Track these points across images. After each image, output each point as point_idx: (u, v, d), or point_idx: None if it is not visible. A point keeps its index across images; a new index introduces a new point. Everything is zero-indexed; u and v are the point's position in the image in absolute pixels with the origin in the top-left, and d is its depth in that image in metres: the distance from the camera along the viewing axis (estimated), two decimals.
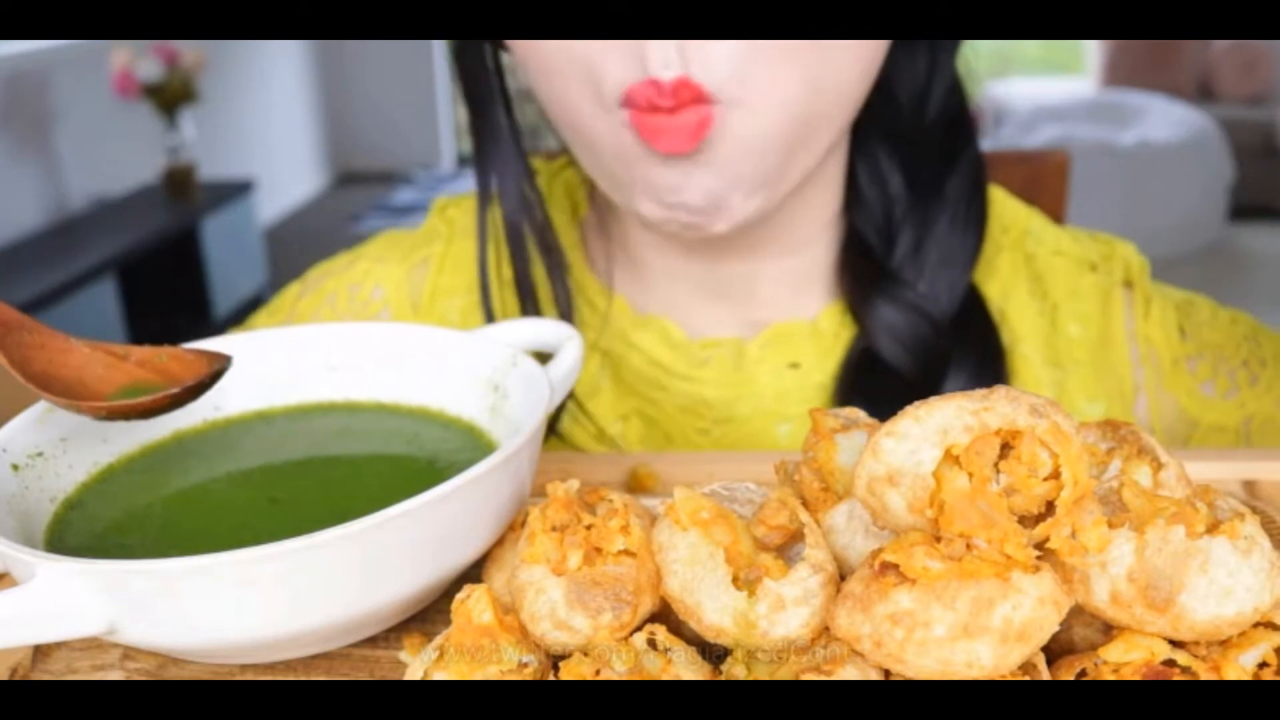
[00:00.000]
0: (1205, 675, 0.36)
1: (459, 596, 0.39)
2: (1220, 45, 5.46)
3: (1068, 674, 0.37)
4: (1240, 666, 0.36)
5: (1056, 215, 1.03)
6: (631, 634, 0.39)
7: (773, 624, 0.37)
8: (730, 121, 0.58)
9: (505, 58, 0.70)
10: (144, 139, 4.36)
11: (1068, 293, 0.75)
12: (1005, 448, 0.35)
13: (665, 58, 0.56)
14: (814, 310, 0.74)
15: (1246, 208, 4.92)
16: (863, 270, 0.73)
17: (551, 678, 0.38)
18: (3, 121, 3.67)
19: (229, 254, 4.15)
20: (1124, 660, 0.36)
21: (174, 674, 0.45)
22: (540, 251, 0.73)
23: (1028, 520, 0.36)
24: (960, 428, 0.35)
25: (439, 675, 0.37)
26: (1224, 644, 0.37)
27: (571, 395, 0.73)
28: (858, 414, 0.45)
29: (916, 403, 0.36)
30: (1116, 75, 5.64)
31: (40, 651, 0.47)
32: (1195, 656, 0.37)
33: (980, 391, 0.35)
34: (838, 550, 0.40)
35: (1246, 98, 5.41)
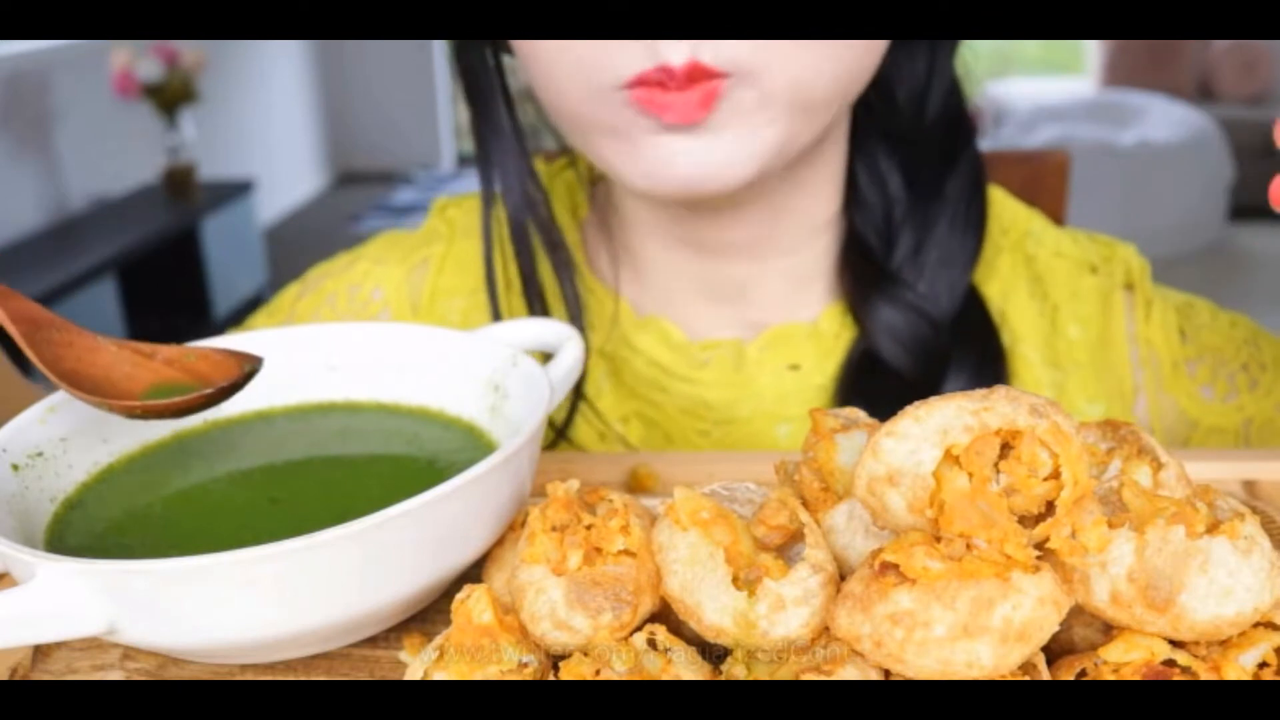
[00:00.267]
0: (1205, 675, 0.36)
1: (459, 596, 0.39)
2: (1220, 45, 5.45)
3: (1068, 674, 0.37)
4: (1240, 666, 0.36)
5: (1056, 215, 1.03)
6: (631, 634, 0.39)
7: (773, 624, 0.37)
8: (736, 91, 0.58)
9: (506, 59, 0.70)
10: (144, 139, 4.36)
11: (1068, 294, 0.75)
12: (1005, 448, 0.35)
13: (677, 48, 0.56)
14: (814, 311, 0.74)
15: (1246, 208, 4.92)
16: (863, 271, 0.73)
17: (551, 678, 0.38)
18: (3, 121, 3.67)
19: (229, 254, 4.15)
20: (1124, 660, 0.36)
21: (174, 674, 0.45)
22: (546, 250, 0.72)
23: (1028, 520, 0.36)
24: (960, 428, 0.35)
25: (439, 675, 0.37)
26: (1224, 644, 0.37)
27: (582, 396, 0.72)
28: (858, 414, 0.45)
29: (916, 403, 0.36)
30: (1116, 75, 5.64)
31: (40, 651, 0.47)
32: (1195, 656, 0.37)
33: (980, 391, 0.35)
34: (838, 550, 0.41)
35: (1246, 98, 5.40)
